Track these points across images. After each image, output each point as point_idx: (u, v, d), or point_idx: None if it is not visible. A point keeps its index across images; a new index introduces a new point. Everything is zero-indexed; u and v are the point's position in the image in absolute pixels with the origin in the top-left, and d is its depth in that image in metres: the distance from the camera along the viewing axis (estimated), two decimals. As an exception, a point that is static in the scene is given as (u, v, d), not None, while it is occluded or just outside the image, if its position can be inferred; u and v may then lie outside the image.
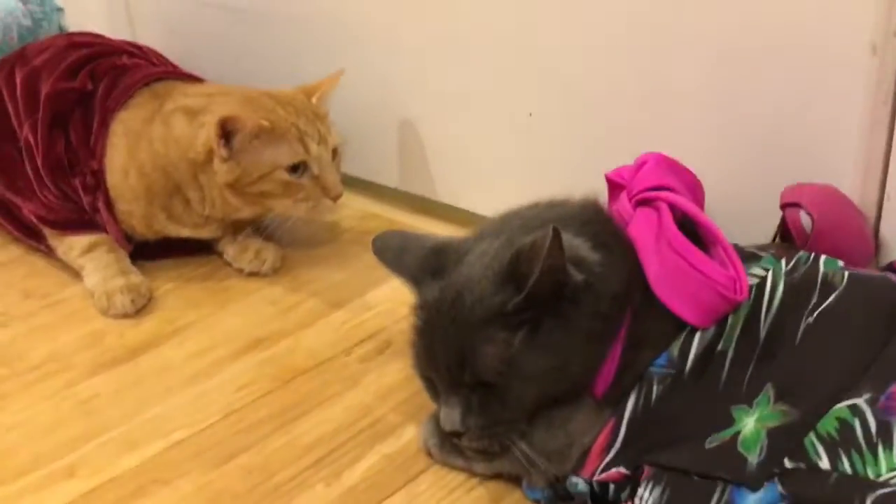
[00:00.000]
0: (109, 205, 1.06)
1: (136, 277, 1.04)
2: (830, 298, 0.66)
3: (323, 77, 1.11)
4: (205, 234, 1.09)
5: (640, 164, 0.78)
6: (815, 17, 0.80)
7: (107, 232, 1.07)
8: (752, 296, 0.68)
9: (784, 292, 0.67)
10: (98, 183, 1.06)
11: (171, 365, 0.94)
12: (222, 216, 1.06)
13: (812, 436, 0.60)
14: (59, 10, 1.60)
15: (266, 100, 1.04)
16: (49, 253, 1.11)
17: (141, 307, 1.02)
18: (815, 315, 0.66)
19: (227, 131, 0.98)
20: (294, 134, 1.01)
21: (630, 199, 0.76)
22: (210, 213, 1.05)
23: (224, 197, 1.02)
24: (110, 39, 1.23)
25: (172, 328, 1.00)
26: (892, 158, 0.79)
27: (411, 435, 0.82)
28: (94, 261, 1.05)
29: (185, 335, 0.98)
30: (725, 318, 0.68)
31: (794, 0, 0.81)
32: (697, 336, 0.68)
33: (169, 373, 0.92)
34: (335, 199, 1.04)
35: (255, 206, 1.04)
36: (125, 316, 1.01)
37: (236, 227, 1.10)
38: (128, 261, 1.07)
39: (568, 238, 0.70)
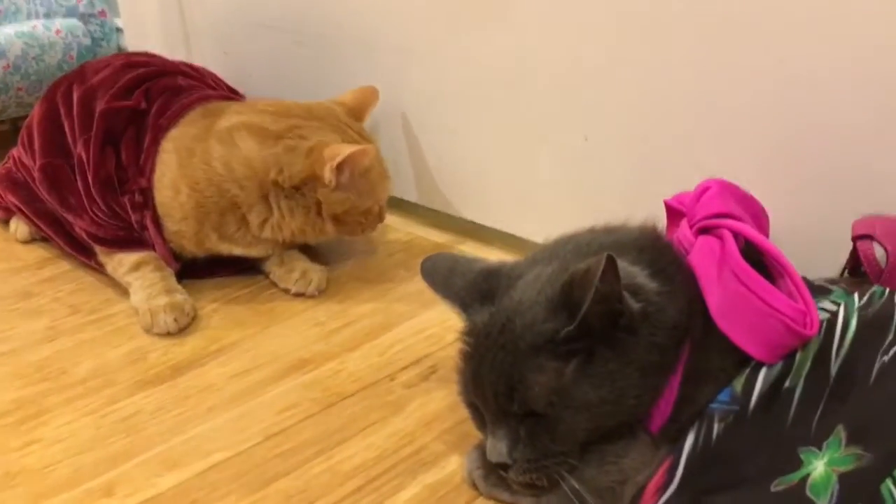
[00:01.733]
0: (157, 223, 1.06)
1: (180, 296, 1.03)
2: (907, 337, 0.62)
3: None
4: (255, 252, 1.08)
5: (702, 191, 0.75)
6: (886, 37, 0.76)
7: (154, 250, 1.07)
8: (823, 331, 0.64)
9: (857, 328, 0.63)
10: (146, 200, 1.06)
11: (213, 385, 0.92)
12: (284, 239, 1.06)
13: (889, 482, 0.55)
14: (118, 30, 1.63)
15: (350, 130, 1.09)
16: (99, 269, 1.11)
17: (185, 326, 1.01)
18: (891, 353, 0.61)
19: (344, 167, 1.01)
20: (385, 166, 1.09)
21: (691, 227, 0.73)
22: (270, 234, 1.05)
23: (315, 224, 1.05)
24: (166, 60, 1.24)
25: (216, 347, 0.98)
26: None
27: (455, 465, 0.79)
28: (140, 278, 1.05)
29: (229, 355, 0.97)
30: (793, 354, 0.64)
31: (865, 22, 0.77)
32: (763, 372, 0.64)
33: (211, 392, 0.91)
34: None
35: (345, 233, 1.08)
36: (168, 334, 1.00)
37: (284, 247, 1.10)
38: (173, 279, 1.06)
39: (624, 265, 0.67)
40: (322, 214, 1.05)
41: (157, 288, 1.03)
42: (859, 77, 0.79)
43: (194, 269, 1.10)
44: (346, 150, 1.01)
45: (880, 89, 0.78)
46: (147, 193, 1.06)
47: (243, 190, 1.03)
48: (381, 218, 1.12)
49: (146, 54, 1.26)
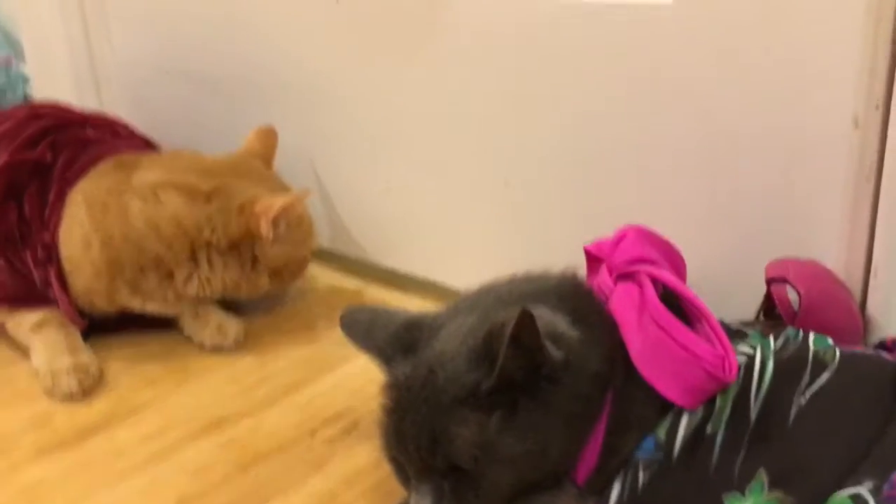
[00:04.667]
0: (62, 279, 1.01)
1: (85, 357, 0.98)
2: (823, 378, 0.63)
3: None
4: (172, 309, 1.04)
5: (620, 237, 0.75)
6: (796, 91, 0.79)
7: (58, 307, 1.02)
8: (742, 374, 0.64)
9: (774, 371, 0.64)
10: (50, 256, 1.01)
11: (122, 448, 0.87)
12: (212, 294, 1.03)
13: (812, 527, 0.55)
14: (25, 79, 1.58)
15: (272, 180, 1.09)
16: (1, 330, 1.05)
17: (90, 388, 0.96)
18: (807, 395, 0.62)
19: (280, 219, 1.01)
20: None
21: (610, 273, 0.73)
22: (197, 291, 1.02)
23: (250, 279, 1.03)
24: (74, 110, 1.20)
25: (126, 409, 0.94)
26: (877, 233, 0.77)
27: (379, 524, 0.77)
28: (42, 338, 0.99)
29: (140, 416, 0.92)
30: (714, 399, 0.64)
31: (777, 77, 0.80)
32: (685, 418, 0.64)
33: (120, 457, 0.86)
34: None
35: (278, 285, 1.07)
36: (72, 397, 0.95)
37: (200, 302, 1.06)
38: (79, 338, 1.01)
39: (545, 314, 0.67)
40: (258, 270, 1.03)
41: (60, 348, 0.98)
42: (771, 132, 0.81)
43: (103, 326, 1.05)
44: (279, 201, 1.00)
45: (795, 137, 0.80)
46: (51, 248, 1.01)
47: (171, 248, 1.00)
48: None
49: (52, 104, 1.21)
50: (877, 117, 0.75)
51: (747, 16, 0.80)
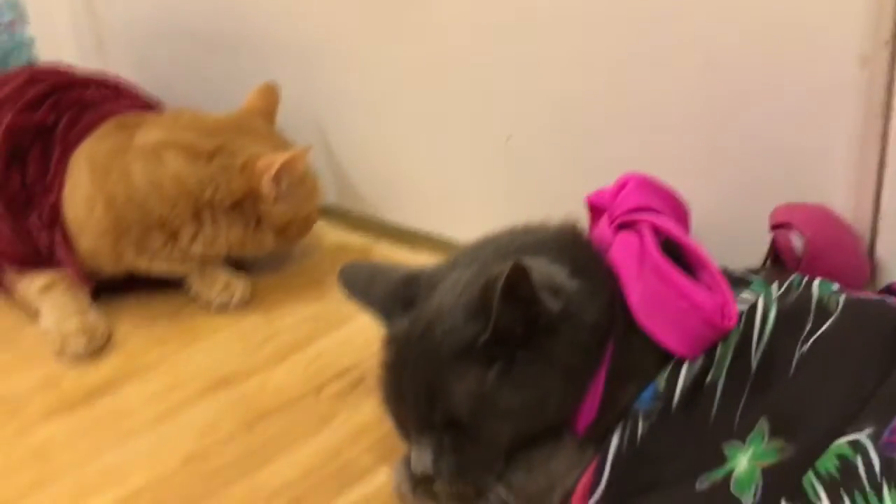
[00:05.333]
0: (68, 241, 1.01)
1: (93, 318, 0.99)
2: (826, 324, 0.61)
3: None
4: (179, 269, 1.05)
5: (621, 186, 0.74)
6: (801, 30, 0.76)
7: (66, 269, 1.02)
8: (742, 323, 0.63)
9: (776, 318, 0.62)
10: (55, 218, 1.01)
11: (130, 408, 0.88)
12: (217, 254, 1.03)
13: (811, 475, 0.54)
14: (30, 42, 1.57)
15: (275, 137, 1.08)
16: (9, 293, 1.06)
17: (98, 348, 0.97)
18: (809, 342, 0.61)
19: (281, 177, 1.00)
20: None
21: (611, 223, 0.71)
22: (202, 250, 1.02)
23: (255, 238, 1.03)
24: (75, 71, 1.19)
25: (134, 369, 0.94)
26: (885, 174, 0.75)
27: (384, 478, 0.77)
28: (50, 300, 1.00)
29: (148, 376, 0.93)
30: (714, 347, 0.63)
31: (780, 13, 0.77)
32: (685, 367, 0.63)
33: (128, 416, 0.87)
34: None
35: (284, 243, 1.07)
36: (80, 358, 0.95)
37: (206, 261, 1.06)
38: (87, 300, 1.02)
39: (542, 265, 0.66)
40: (262, 228, 1.03)
41: (68, 309, 0.98)
42: (775, 72, 0.79)
43: (110, 287, 1.06)
44: (280, 158, 0.99)
45: (800, 80, 0.78)
46: (56, 211, 1.01)
47: (174, 208, 0.99)
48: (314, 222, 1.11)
49: (52, 67, 1.21)
50: (885, 54, 0.72)
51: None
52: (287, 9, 1.18)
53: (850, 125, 0.76)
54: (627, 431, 0.63)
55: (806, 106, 0.78)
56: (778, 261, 0.76)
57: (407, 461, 0.71)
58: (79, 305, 1.00)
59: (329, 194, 1.21)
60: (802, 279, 0.66)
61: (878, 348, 0.59)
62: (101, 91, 1.16)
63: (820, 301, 0.63)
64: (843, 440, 0.54)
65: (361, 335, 0.96)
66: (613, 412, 0.64)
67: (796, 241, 0.73)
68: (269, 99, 1.13)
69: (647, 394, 0.63)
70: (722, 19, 0.81)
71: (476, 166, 1.06)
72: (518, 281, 0.61)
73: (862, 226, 0.78)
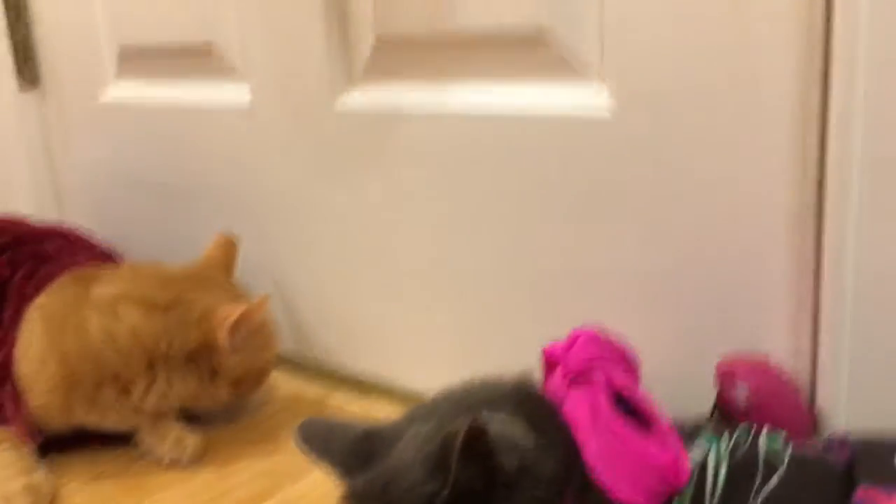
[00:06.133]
0: (16, 397, 1.00)
1: (38, 477, 0.96)
2: (772, 482, 0.64)
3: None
4: (130, 424, 1.03)
5: (573, 340, 0.77)
6: (734, 202, 0.82)
7: (12, 426, 1.00)
8: (695, 478, 0.65)
9: (727, 474, 0.65)
10: (5, 374, 1.00)
11: (77, 573, 0.85)
12: (170, 408, 1.03)
13: None
14: (-15, 193, 1.58)
15: (233, 290, 1.09)
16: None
17: (43, 511, 0.94)
18: (762, 496, 0.63)
19: (238, 329, 1.00)
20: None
21: (564, 378, 0.74)
22: (155, 404, 1.01)
23: (209, 391, 1.03)
24: (30, 224, 1.21)
25: (81, 530, 0.92)
26: (820, 329, 0.79)
27: None
28: (-5, 459, 0.97)
29: (95, 537, 0.90)
30: (669, 502, 0.64)
31: (711, 177, 0.83)
32: (641, 523, 0.64)
33: (74, 582, 0.84)
34: None
35: (239, 395, 1.06)
36: (26, 521, 0.92)
37: (158, 415, 1.05)
38: (33, 458, 0.99)
39: (500, 421, 0.67)
40: (217, 380, 1.03)
41: (13, 469, 0.95)
42: (717, 225, 0.84)
43: (58, 443, 1.03)
44: (238, 309, 1.00)
45: (735, 241, 0.83)
46: (6, 367, 1.00)
47: (128, 362, 0.99)
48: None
49: (8, 219, 1.22)
50: (811, 214, 0.78)
51: (687, 130, 0.84)
52: (246, 162, 1.23)
53: (785, 282, 0.81)
54: (589, 590, 0.63)
55: (744, 260, 0.83)
56: (724, 411, 0.79)
57: None
58: (24, 465, 0.97)
59: (286, 342, 1.22)
60: (749, 431, 0.69)
61: (823, 504, 0.62)
62: (58, 243, 1.17)
63: (767, 456, 0.66)
64: None
65: (317, 490, 0.95)
66: (573, 570, 0.64)
67: (740, 392, 0.76)
68: (227, 250, 1.16)
69: (605, 550, 0.64)
70: (661, 192, 0.86)
71: (432, 318, 1.09)
72: (476, 439, 0.62)
73: (801, 377, 0.81)
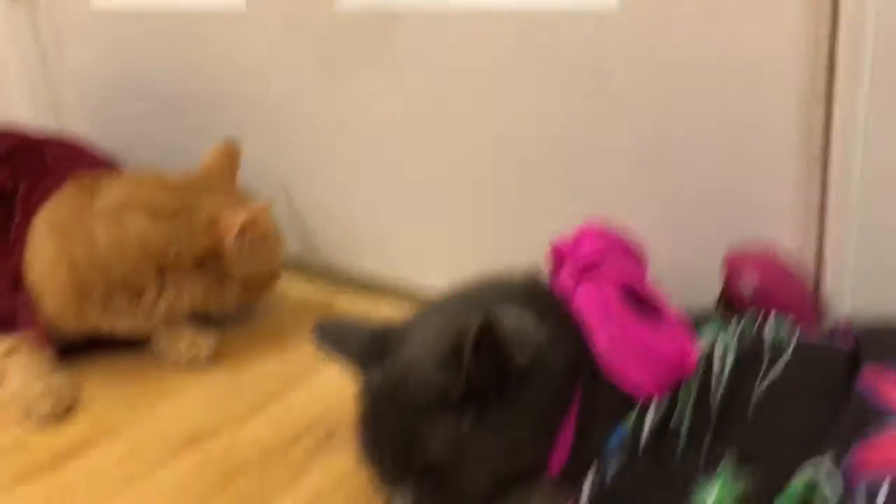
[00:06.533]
0: (31, 304, 1.01)
1: (58, 380, 0.98)
2: (778, 367, 0.65)
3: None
4: (143, 328, 1.05)
5: (581, 235, 0.77)
6: (743, 74, 0.81)
7: (29, 333, 1.02)
8: (703, 365, 0.66)
9: (734, 360, 0.66)
10: (18, 282, 1.01)
11: (101, 470, 0.88)
12: (181, 312, 1.04)
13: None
14: (-19, 103, 1.56)
15: (238, 195, 1.09)
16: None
17: (64, 411, 0.96)
18: (766, 383, 0.65)
19: (244, 232, 1.01)
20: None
21: (572, 272, 0.75)
22: (166, 309, 1.02)
23: (218, 296, 1.04)
24: (33, 134, 1.19)
25: (102, 430, 0.94)
26: (827, 217, 0.80)
27: (362, 530, 0.78)
28: (14, 364, 0.99)
29: (117, 437, 0.93)
30: (677, 390, 0.66)
31: (723, 57, 0.82)
32: (651, 410, 0.66)
33: (99, 479, 0.86)
34: None
35: (248, 299, 1.08)
36: (47, 421, 0.95)
37: (170, 319, 1.06)
38: (51, 362, 1.01)
39: (512, 315, 0.68)
40: (226, 285, 1.04)
41: (32, 373, 0.98)
42: (724, 114, 0.83)
43: (75, 349, 1.05)
44: (243, 214, 1.01)
45: (743, 126, 0.83)
46: (19, 275, 1.01)
47: (137, 269, 1.00)
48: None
49: (8, 129, 1.21)
50: (821, 98, 0.77)
51: (693, 19, 0.82)
52: (245, 65, 1.21)
53: (792, 168, 0.81)
54: (600, 472, 0.65)
55: (751, 149, 0.83)
56: (730, 301, 0.80)
57: (386, 512, 0.72)
58: (43, 368, 0.99)
59: (292, 247, 1.22)
60: (756, 319, 0.70)
61: (828, 388, 0.63)
62: (58, 152, 1.16)
63: (773, 343, 0.67)
64: (803, 473, 0.58)
65: (329, 388, 0.98)
66: (585, 454, 0.66)
67: (747, 282, 0.77)
68: (230, 156, 1.15)
69: (615, 436, 0.66)
70: (667, 82, 0.85)
71: (438, 216, 1.09)
72: (488, 333, 0.63)
73: (807, 267, 0.82)
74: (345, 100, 1.12)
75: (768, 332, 0.68)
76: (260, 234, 1.05)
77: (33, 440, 0.93)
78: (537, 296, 0.73)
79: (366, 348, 0.73)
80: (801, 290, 0.80)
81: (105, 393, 1.01)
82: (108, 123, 1.42)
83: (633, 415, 0.66)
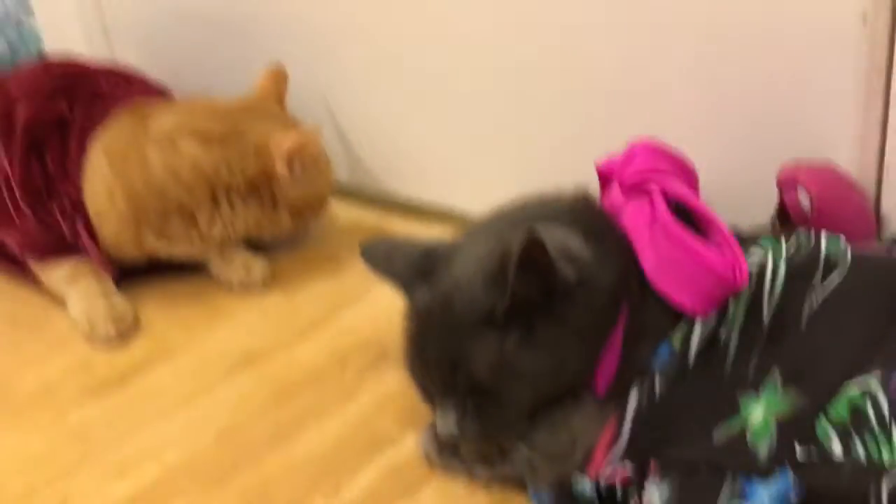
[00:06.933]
0: (90, 229, 1.04)
1: (119, 302, 1.01)
2: (834, 280, 0.64)
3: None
4: (199, 252, 1.07)
5: (630, 153, 0.76)
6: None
7: (89, 257, 1.05)
8: (754, 281, 0.65)
9: (786, 275, 0.65)
10: (77, 208, 1.04)
11: (162, 387, 0.91)
12: (236, 236, 1.06)
13: (823, 420, 0.57)
14: (39, 33, 1.58)
15: (287, 120, 1.09)
16: (36, 283, 1.08)
17: (126, 332, 0.99)
18: (818, 298, 0.63)
19: (293, 156, 1.02)
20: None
21: (621, 189, 0.74)
22: (221, 233, 1.04)
23: (271, 219, 1.05)
24: (87, 64, 1.21)
25: (162, 349, 0.97)
26: (889, 130, 0.77)
27: (411, 444, 0.79)
28: (77, 288, 1.02)
29: (176, 356, 0.96)
30: (727, 305, 0.65)
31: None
32: (698, 325, 0.65)
33: (160, 395, 0.90)
34: None
35: (300, 223, 1.09)
36: (110, 342, 0.98)
37: (225, 243, 1.08)
38: (111, 285, 1.04)
39: (558, 233, 0.68)
40: (278, 209, 1.05)
41: (95, 296, 1.01)
42: (778, 31, 0.80)
43: (133, 273, 1.08)
44: (292, 138, 1.02)
45: (803, 38, 0.79)
46: (77, 200, 1.04)
47: (191, 193, 1.02)
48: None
49: (66, 60, 1.22)
50: (886, 11, 0.73)
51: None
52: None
53: (854, 82, 0.77)
54: (645, 389, 0.65)
55: (810, 63, 0.80)
56: (786, 217, 0.78)
57: (433, 428, 0.74)
58: (104, 291, 1.02)
59: (341, 172, 1.23)
60: (810, 234, 0.68)
61: (883, 301, 0.62)
62: (113, 80, 1.18)
63: (827, 257, 0.66)
64: (854, 387, 0.57)
65: (380, 308, 0.99)
66: (631, 371, 0.66)
67: (803, 198, 0.75)
68: (278, 81, 1.15)
69: (662, 352, 0.66)
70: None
71: (485, 139, 1.08)
72: (534, 250, 0.63)
73: (867, 181, 0.80)
74: (391, 24, 1.10)
75: (823, 247, 0.67)
76: (310, 158, 1.05)
77: (97, 359, 0.97)
78: (585, 214, 0.72)
79: (413, 268, 0.74)
80: (859, 205, 0.77)
81: (163, 315, 1.04)
82: (158, 51, 1.42)
83: (682, 330, 0.65)
